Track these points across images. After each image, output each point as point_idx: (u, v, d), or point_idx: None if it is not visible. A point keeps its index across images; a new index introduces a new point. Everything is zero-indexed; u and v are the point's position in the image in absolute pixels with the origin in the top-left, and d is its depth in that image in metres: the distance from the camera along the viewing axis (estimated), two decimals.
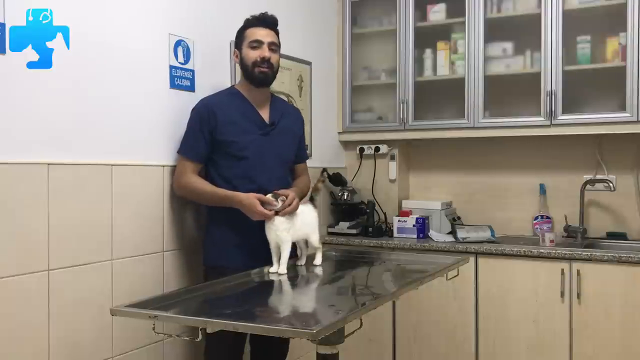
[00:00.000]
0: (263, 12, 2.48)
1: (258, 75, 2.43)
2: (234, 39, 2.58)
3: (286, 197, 2.29)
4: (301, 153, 2.72)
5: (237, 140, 2.41)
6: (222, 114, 2.41)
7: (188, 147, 2.42)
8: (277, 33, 2.50)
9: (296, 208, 2.32)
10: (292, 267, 2.32)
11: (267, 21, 2.47)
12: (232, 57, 2.73)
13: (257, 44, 2.43)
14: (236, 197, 2.32)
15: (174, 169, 2.47)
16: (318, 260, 2.41)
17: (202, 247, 2.55)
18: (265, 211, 2.26)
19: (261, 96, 2.51)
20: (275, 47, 2.47)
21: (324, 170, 2.50)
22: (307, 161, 2.80)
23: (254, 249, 2.37)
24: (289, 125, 2.60)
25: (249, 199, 2.29)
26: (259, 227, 2.34)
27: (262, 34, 2.44)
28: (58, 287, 2.03)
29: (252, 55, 2.43)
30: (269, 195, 2.27)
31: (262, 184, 2.38)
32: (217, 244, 2.46)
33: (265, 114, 2.51)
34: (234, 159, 2.41)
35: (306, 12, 3.45)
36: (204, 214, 2.56)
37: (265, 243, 2.30)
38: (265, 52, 2.42)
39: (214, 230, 2.47)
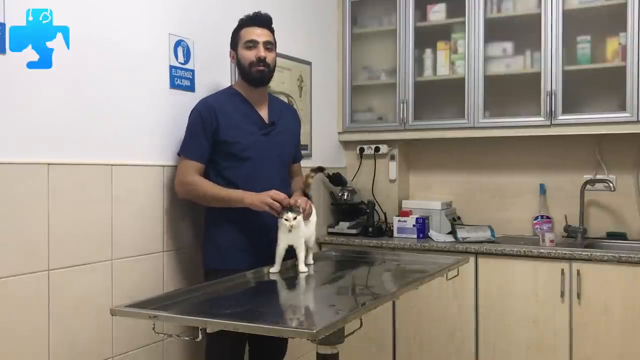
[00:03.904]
0: (257, 11, 2.47)
1: (255, 75, 2.43)
2: None
3: (301, 205, 2.28)
4: (297, 153, 2.72)
5: (239, 141, 2.40)
6: (224, 115, 2.40)
7: (191, 148, 2.39)
8: (272, 31, 2.49)
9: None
10: (293, 267, 2.32)
11: (261, 20, 2.46)
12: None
13: (252, 44, 2.42)
14: (247, 196, 2.30)
15: (174, 169, 2.46)
16: (310, 259, 2.40)
17: (200, 248, 2.54)
18: (275, 202, 2.24)
19: (259, 96, 2.51)
20: (270, 45, 2.47)
21: (319, 168, 2.49)
22: (308, 161, 2.80)
23: (260, 250, 2.36)
24: (288, 125, 2.60)
25: (260, 194, 2.27)
26: (265, 228, 2.33)
27: (257, 33, 2.44)
28: (58, 287, 2.03)
29: (248, 55, 2.43)
30: (289, 212, 2.24)
31: (264, 185, 2.36)
32: (218, 246, 2.43)
33: (264, 114, 2.51)
34: (236, 159, 2.40)
35: (306, 12, 3.45)
36: (203, 214, 2.54)
37: (271, 243, 2.29)
38: (260, 51, 2.42)
39: (216, 231, 2.45)
